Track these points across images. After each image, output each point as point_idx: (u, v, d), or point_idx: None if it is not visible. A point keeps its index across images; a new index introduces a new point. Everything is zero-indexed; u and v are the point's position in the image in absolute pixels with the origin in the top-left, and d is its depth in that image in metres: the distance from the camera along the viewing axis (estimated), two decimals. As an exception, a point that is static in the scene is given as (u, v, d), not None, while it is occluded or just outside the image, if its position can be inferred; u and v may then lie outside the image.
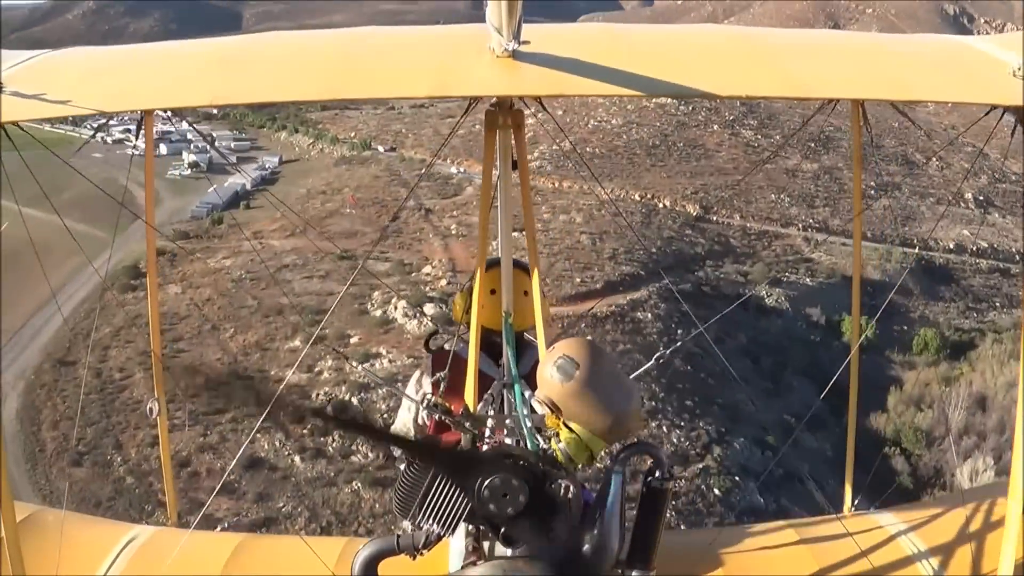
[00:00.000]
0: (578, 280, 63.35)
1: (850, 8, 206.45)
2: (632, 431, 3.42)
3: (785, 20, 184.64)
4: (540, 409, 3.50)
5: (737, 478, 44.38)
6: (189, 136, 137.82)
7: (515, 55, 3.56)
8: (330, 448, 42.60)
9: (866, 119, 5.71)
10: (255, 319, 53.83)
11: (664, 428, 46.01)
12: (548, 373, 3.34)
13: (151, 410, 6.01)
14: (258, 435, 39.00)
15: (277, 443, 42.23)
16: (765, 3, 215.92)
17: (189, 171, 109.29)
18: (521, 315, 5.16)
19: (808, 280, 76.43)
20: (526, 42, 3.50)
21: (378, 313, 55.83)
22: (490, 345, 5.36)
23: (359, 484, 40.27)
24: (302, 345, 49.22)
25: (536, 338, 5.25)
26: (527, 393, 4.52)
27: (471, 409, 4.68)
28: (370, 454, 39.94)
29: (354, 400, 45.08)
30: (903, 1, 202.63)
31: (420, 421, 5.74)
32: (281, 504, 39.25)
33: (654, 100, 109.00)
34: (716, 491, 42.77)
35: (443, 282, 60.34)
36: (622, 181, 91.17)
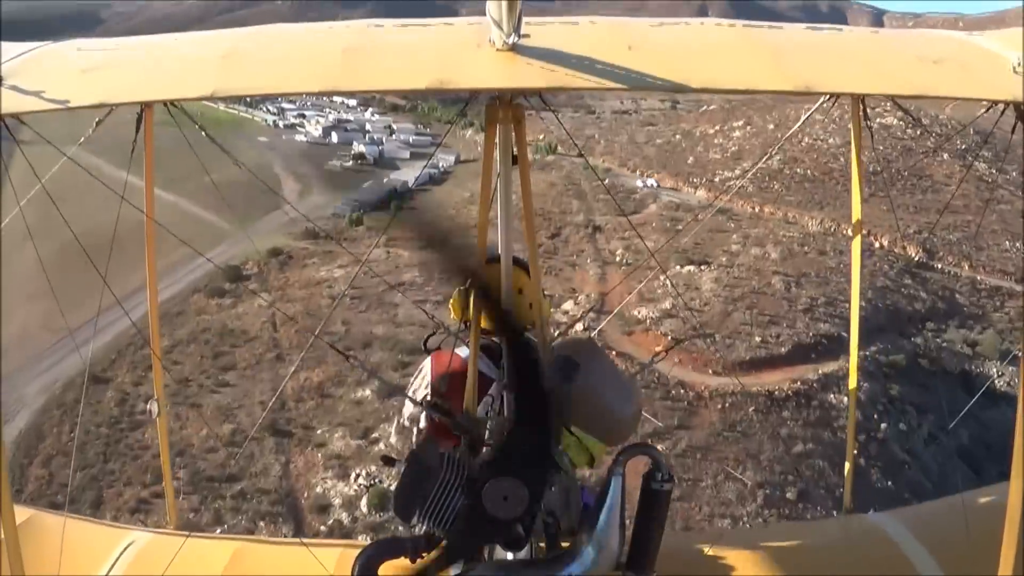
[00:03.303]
0: (758, 340, 49.64)
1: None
2: (631, 435, 3.60)
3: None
4: None
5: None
6: (368, 127, 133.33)
7: (515, 49, 3.57)
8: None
9: (867, 115, 5.58)
10: (333, 352, 43.21)
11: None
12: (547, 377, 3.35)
13: (151, 411, 5.81)
14: (260, 523, 30.15)
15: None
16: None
17: (352, 163, 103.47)
18: (516, 313, 4.93)
19: (1052, 357, 61.05)
20: (526, 36, 3.54)
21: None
22: (489, 346, 5.05)
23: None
24: (373, 396, 39.45)
25: (535, 338, 4.98)
26: None
27: (471, 410, 4.71)
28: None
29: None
30: None
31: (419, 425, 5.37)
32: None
33: (878, 121, 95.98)
34: None
35: (579, 326, 44.93)
36: (833, 212, 78.49)
